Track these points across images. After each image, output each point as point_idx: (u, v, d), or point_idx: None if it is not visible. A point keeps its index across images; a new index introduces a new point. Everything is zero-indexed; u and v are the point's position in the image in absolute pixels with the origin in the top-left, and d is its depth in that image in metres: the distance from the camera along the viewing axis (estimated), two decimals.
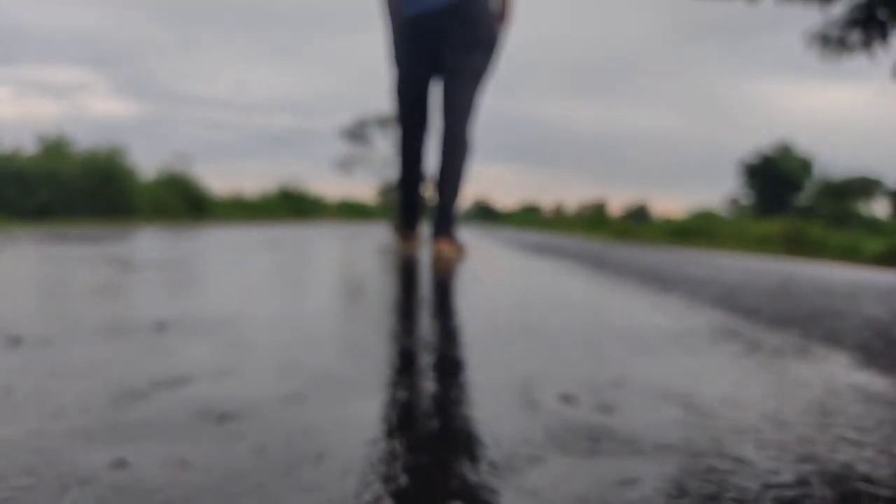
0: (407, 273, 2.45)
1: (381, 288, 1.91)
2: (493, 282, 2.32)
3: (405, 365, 0.91)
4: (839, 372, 1.00)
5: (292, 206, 17.24)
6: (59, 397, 0.71)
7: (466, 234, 7.97)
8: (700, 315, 1.54)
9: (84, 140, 10.86)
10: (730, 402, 0.79)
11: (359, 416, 0.67)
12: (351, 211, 23.84)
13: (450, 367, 0.91)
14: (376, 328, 1.20)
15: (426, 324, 1.26)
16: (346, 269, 2.64)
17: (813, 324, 1.51)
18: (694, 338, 1.22)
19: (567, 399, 0.76)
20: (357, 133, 41.70)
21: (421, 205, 3.45)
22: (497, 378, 0.85)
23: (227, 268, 2.45)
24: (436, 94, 3.16)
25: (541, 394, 0.78)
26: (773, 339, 1.25)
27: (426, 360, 0.95)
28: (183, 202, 10.90)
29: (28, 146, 9.45)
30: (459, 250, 3.10)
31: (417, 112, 3.16)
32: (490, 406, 0.72)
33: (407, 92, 3.15)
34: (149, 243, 3.92)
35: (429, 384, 0.81)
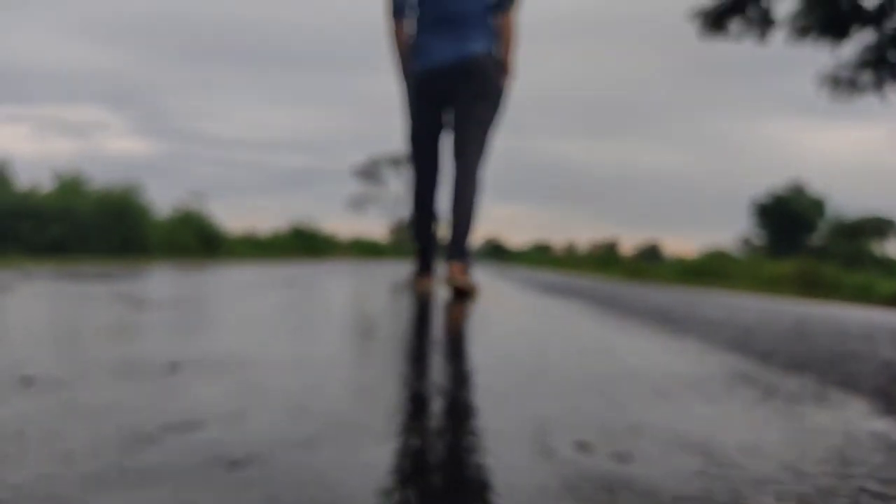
0: (419, 314, 2.44)
1: (393, 329, 1.91)
2: (506, 323, 2.31)
3: (417, 410, 0.90)
4: (858, 419, 0.98)
5: (305, 244, 17.30)
6: (70, 441, 0.70)
7: (478, 273, 7.97)
8: (715, 358, 1.52)
9: (100, 177, 10.99)
10: (748, 450, 0.77)
11: (371, 464, 0.66)
12: (363, 249, 23.90)
13: (463, 412, 0.90)
14: (388, 371, 1.19)
15: (438, 367, 1.25)
16: (358, 309, 2.64)
17: (829, 368, 1.49)
18: (710, 383, 1.21)
19: (583, 447, 0.75)
20: (370, 172, 42.08)
21: (435, 245, 3.56)
22: (511, 424, 0.84)
23: (239, 307, 2.45)
24: (447, 141, 3.38)
25: (556, 441, 0.77)
26: (790, 385, 1.23)
27: (439, 404, 0.94)
28: (197, 240, 10.97)
29: (45, 183, 9.57)
30: (472, 284, 3.20)
31: (429, 159, 3.38)
32: (504, 454, 0.72)
33: (420, 140, 3.37)
34: (162, 281, 3.94)
35: (442, 430, 0.80)
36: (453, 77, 3.20)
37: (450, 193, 3.26)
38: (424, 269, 3.55)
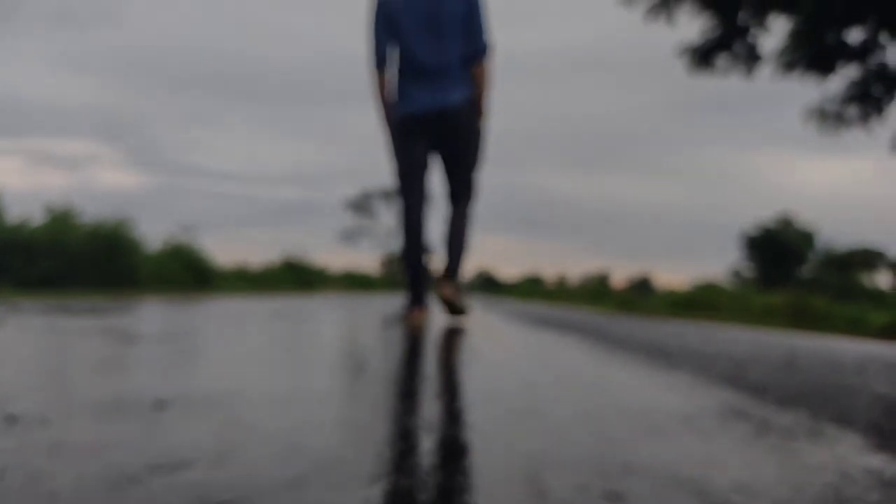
0: (409, 348, 2.43)
1: (383, 364, 1.89)
2: (497, 358, 2.30)
3: (408, 448, 0.89)
4: (853, 455, 0.97)
5: (296, 277, 17.26)
6: (53, 481, 0.69)
7: (468, 305, 7.94)
8: (708, 393, 1.52)
9: (92, 211, 10.96)
10: (743, 489, 0.76)
11: None
12: (354, 282, 23.85)
13: (453, 450, 0.89)
14: (379, 408, 1.18)
15: (429, 403, 1.24)
16: (348, 343, 2.62)
17: (823, 402, 1.48)
18: (703, 418, 1.20)
19: (576, 487, 0.74)
20: (362, 205, 42.15)
21: (426, 278, 3.64)
22: (502, 463, 0.83)
23: (228, 342, 2.43)
24: (433, 177, 3.61)
25: (548, 480, 0.76)
26: (784, 420, 1.23)
27: (429, 442, 0.93)
28: (187, 273, 10.93)
29: (36, 216, 9.54)
30: (463, 303, 3.53)
31: (417, 195, 3.53)
32: (496, 494, 0.70)
33: (407, 178, 3.54)
34: (151, 315, 3.91)
35: (432, 469, 0.79)
36: (434, 124, 3.44)
37: (444, 231, 3.59)
38: (416, 301, 3.59)
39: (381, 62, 3.47)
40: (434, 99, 3.41)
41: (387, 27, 3.43)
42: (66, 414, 1.02)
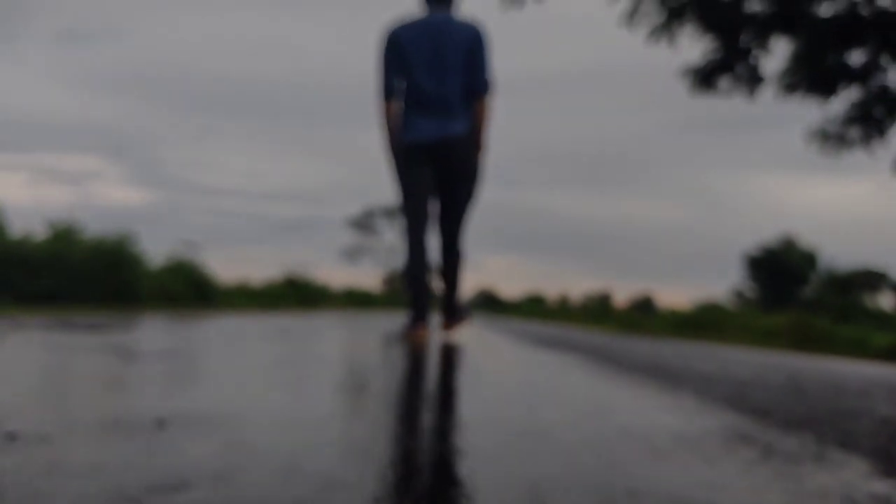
0: (411, 368, 2.42)
1: (385, 383, 1.88)
2: (499, 378, 2.29)
3: (409, 471, 0.89)
4: (858, 480, 0.96)
5: (298, 294, 17.24)
6: (52, 501, 0.68)
7: (470, 325, 7.93)
8: (712, 416, 1.51)
9: (95, 226, 10.97)
10: None
11: None
12: (356, 300, 23.81)
13: (455, 473, 0.88)
14: (380, 428, 1.17)
15: (431, 424, 1.23)
16: (350, 361, 2.61)
17: (827, 426, 1.47)
18: (707, 442, 1.19)
19: None
20: (364, 223, 42.20)
21: (428, 295, 3.76)
22: (505, 487, 0.82)
23: (229, 359, 2.42)
24: (433, 203, 3.79)
25: None
26: (788, 444, 1.22)
27: (431, 465, 0.92)
28: (189, 289, 10.92)
29: (39, 232, 9.55)
30: (464, 326, 3.93)
31: (420, 216, 3.70)
32: None
33: (410, 201, 3.70)
34: (153, 332, 3.90)
35: (434, 493, 0.78)
36: (436, 153, 3.61)
37: (438, 261, 3.82)
38: (418, 318, 3.66)
39: (388, 92, 3.64)
40: (437, 129, 3.58)
41: (396, 59, 3.61)
42: (66, 432, 1.02)
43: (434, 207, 3.78)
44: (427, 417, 1.30)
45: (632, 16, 7.09)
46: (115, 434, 1.01)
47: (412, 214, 3.69)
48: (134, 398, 1.42)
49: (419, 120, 3.60)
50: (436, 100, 3.59)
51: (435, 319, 4.08)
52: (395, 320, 8.46)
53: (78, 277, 8.65)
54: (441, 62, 3.57)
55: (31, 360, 2.16)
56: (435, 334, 3.97)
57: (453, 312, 3.89)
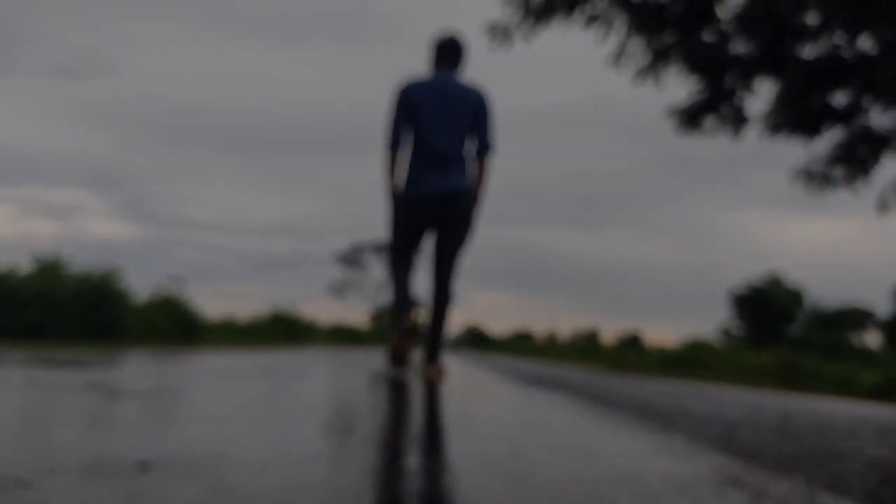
0: (398, 408, 2.40)
1: (372, 423, 1.86)
2: (487, 418, 2.27)
3: None
4: None
5: (284, 330, 17.13)
6: None
7: (458, 362, 7.90)
8: (702, 458, 1.50)
9: (81, 261, 10.89)
10: None
11: None
12: (343, 336, 23.67)
13: None
14: (367, 470, 1.15)
15: (418, 466, 1.22)
16: (336, 400, 2.59)
17: (817, 468, 1.46)
18: (698, 486, 1.18)
19: None
20: (352, 258, 42.19)
21: (413, 331, 3.98)
22: None
23: (214, 398, 2.39)
24: (425, 252, 4.05)
25: None
26: (779, 488, 1.21)
27: None
28: (175, 325, 10.82)
29: (24, 265, 9.47)
30: (441, 371, 3.96)
31: (408, 262, 3.98)
32: None
33: (402, 249, 3.98)
34: (137, 369, 3.86)
35: None
36: (437, 205, 3.84)
37: (428, 302, 3.99)
38: (403, 349, 3.99)
39: (395, 143, 3.88)
40: (441, 182, 3.82)
41: (407, 113, 3.86)
42: (46, 475, 0.99)
43: (428, 251, 4.01)
44: (414, 459, 1.29)
45: (618, 57, 7.20)
46: (96, 478, 0.99)
47: (401, 260, 3.97)
48: (117, 439, 1.39)
49: (424, 173, 3.83)
50: (441, 155, 3.82)
51: (417, 356, 4.24)
52: (383, 359, 8.40)
53: (63, 312, 8.57)
54: (449, 121, 3.84)
55: (11, 399, 2.13)
56: (417, 370, 4.13)
57: (437, 350, 4.02)
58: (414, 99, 3.86)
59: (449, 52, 3.99)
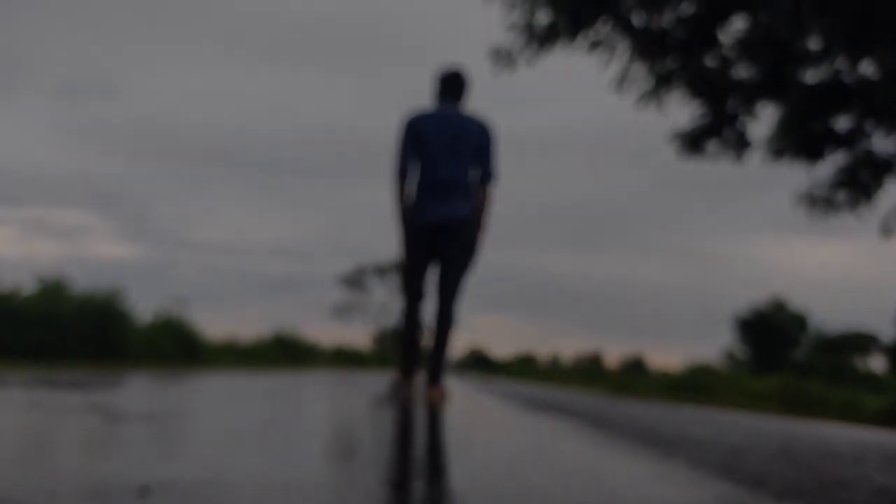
0: (401, 433, 2.39)
1: (375, 448, 1.86)
2: (490, 444, 2.26)
3: None
4: None
5: (286, 352, 17.08)
6: None
7: (461, 385, 7.87)
8: (706, 486, 1.48)
9: (84, 281, 10.91)
10: None
11: None
12: (345, 358, 23.58)
13: None
14: (370, 497, 1.15)
15: (421, 493, 1.21)
16: (339, 425, 2.58)
17: (822, 496, 1.45)
18: None
19: None
20: (355, 280, 42.12)
21: (419, 354, 4.19)
22: None
23: (216, 421, 2.38)
24: (432, 277, 4.16)
25: None
26: None
27: None
28: (177, 347, 10.80)
29: (28, 286, 9.48)
30: (444, 394, 4.01)
31: (419, 287, 4.12)
32: None
33: (413, 274, 4.14)
34: (139, 391, 3.85)
35: None
36: (441, 232, 4.01)
37: (432, 324, 4.08)
38: (408, 376, 4.10)
39: (403, 174, 4.04)
40: (446, 211, 3.98)
41: (414, 144, 4.02)
42: (46, 499, 0.99)
43: (434, 275, 4.13)
44: (417, 485, 1.28)
45: (621, 82, 7.23)
46: (96, 502, 0.99)
47: (412, 284, 4.13)
48: (118, 463, 1.39)
49: (431, 202, 4.00)
50: (446, 185, 3.99)
51: (420, 378, 4.27)
52: (386, 381, 8.39)
53: (65, 333, 8.56)
54: (454, 152, 3.99)
55: (12, 421, 2.12)
56: (420, 392, 4.14)
57: (439, 373, 4.10)
58: (420, 131, 4.01)
59: (453, 85, 4.15)
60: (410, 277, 4.17)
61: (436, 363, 4.09)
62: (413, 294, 4.15)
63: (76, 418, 2.19)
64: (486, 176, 4.10)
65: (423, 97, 4.32)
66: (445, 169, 3.99)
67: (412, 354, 4.19)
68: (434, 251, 4.08)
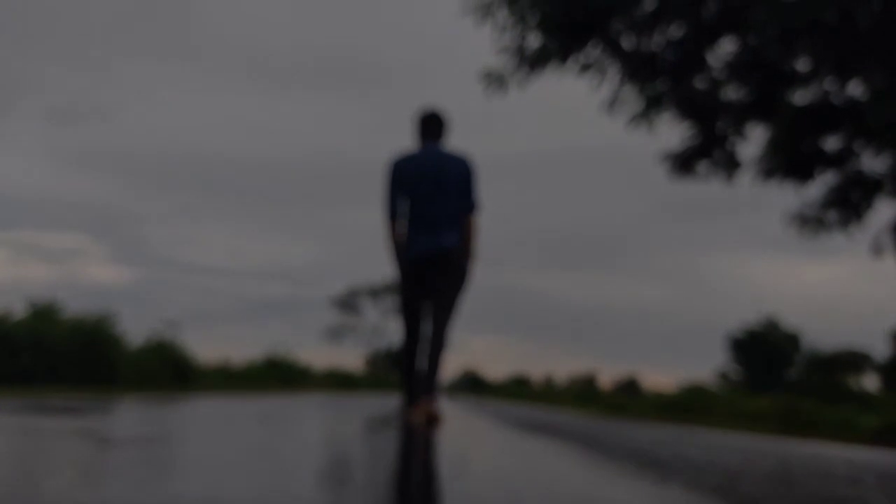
0: (395, 457, 2.37)
1: (369, 473, 1.84)
2: (484, 467, 2.25)
3: None
4: None
5: (279, 375, 16.99)
6: None
7: (454, 408, 7.84)
8: None
9: (76, 305, 10.85)
10: None
11: None
12: (338, 382, 23.46)
13: None
14: None
15: None
16: (332, 449, 2.56)
17: None
18: None
19: None
20: (348, 303, 42.03)
21: (419, 384, 4.26)
22: None
23: (208, 446, 2.36)
24: (426, 306, 4.33)
25: None
26: None
27: None
28: (169, 371, 10.73)
29: (19, 310, 9.43)
30: (433, 413, 4.00)
31: (415, 317, 4.29)
32: None
33: (408, 307, 4.34)
34: (130, 416, 3.82)
35: None
36: (430, 263, 4.20)
37: (425, 347, 4.23)
38: (414, 400, 4.17)
39: (393, 214, 4.26)
40: (434, 242, 4.18)
41: (401, 186, 4.24)
42: None
43: (427, 302, 4.30)
44: None
45: (612, 104, 7.29)
46: None
47: (409, 316, 4.32)
48: (108, 488, 1.37)
49: (420, 237, 4.20)
50: (434, 219, 4.20)
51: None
52: (380, 403, 8.34)
53: (56, 357, 8.51)
54: (439, 189, 4.21)
55: (1, 447, 2.10)
56: (413, 412, 4.16)
57: (429, 389, 4.18)
58: (405, 172, 4.26)
59: (432, 125, 4.42)
60: (407, 314, 4.37)
61: (429, 382, 4.18)
62: (410, 331, 4.34)
63: (67, 444, 2.17)
64: (470, 206, 4.31)
65: (415, 117, 4.49)
66: (431, 204, 4.21)
67: (414, 385, 4.32)
68: (425, 281, 4.26)
